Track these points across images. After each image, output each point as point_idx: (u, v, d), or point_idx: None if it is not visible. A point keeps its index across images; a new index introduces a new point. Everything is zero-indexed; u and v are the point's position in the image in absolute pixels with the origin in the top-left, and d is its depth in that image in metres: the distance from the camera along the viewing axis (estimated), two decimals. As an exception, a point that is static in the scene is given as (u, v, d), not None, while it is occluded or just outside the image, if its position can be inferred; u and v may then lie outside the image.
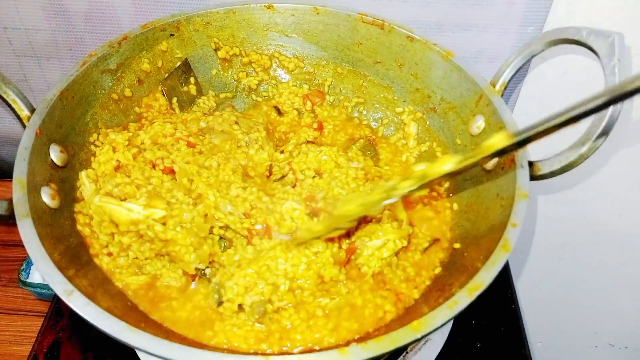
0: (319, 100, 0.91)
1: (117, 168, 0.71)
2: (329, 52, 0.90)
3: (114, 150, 0.71)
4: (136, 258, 0.67)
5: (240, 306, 0.62)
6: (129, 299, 0.63)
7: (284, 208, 0.69)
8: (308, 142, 0.82)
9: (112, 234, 0.67)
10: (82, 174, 0.70)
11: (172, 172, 0.71)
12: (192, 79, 0.88)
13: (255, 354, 0.51)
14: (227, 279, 0.63)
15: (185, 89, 0.87)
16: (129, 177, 0.69)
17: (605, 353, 1.36)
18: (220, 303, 0.63)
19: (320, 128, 0.87)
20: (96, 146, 0.74)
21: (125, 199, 0.67)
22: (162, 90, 0.85)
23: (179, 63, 0.86)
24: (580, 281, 1.25)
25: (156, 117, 0.80)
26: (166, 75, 0.85)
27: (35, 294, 0.99)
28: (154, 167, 0.71)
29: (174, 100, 0.86)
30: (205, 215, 0.67)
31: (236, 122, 0.80)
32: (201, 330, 0.62)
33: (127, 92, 0.80)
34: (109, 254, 0.66)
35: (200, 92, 0.90)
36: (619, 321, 1.29)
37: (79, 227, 0.66)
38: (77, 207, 0.68)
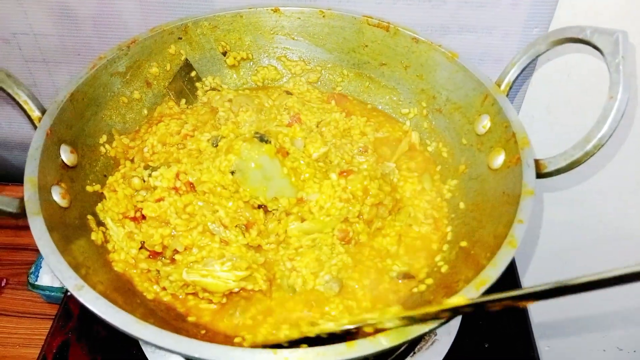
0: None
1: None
2: (335, 54, 0.91)
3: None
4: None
5: None
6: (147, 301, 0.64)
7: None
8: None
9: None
10: (109, 220, 0.69)
11: (192, 187, 0.71)
12: (193, 73, 0.89)
13: (264, 347, 0.51)
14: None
15: (189, 86, 0.88)
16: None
17: (614, 357, 1.35)
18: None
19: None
20: (105, 148, 0.75)
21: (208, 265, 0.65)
22: (169, 94, 0.86)
23: (179, 67, 0.87)
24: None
25: (164, 117, 0.81)
26: (170, 80, 0.86)
27: (44, 296, 1.00)
28: (176, 190, 0.71)
29: (182, 101, 0.87)
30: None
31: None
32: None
33: (136, 95, 0.82)
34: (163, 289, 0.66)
35: (200, 79, 0.90)
36: (627, 325, 1.28)
37: (116, 269, 0.65)
38: (109, 247, 0.67)
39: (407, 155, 0.84)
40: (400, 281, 0.69)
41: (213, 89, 0.89)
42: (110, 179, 0.73)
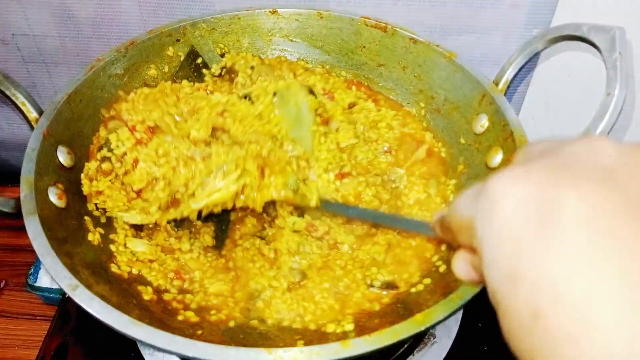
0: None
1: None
2: (333, 55, 0.91)
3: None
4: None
5: None
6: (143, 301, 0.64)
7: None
8: None
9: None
10: (121, 215, 0.69)
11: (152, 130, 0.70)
12: (199, 60, 0.88)
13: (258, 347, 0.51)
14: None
15: (196, 73, 0.87)
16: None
17: None
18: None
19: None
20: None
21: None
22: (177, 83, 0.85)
23: (185, 54, 0.87)
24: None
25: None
26: (177, 68, 0.86)
27: (43, 298, 1.00)
28: None
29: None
30: None
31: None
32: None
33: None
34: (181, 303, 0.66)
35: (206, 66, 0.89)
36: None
37: (115, 271, 0.65)
38: (113, 247, 0.68)
39: (421, 161, 0.82)
40: (384, 292, 0.67)
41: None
42: (86, 188, 0.69)
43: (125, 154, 0.68)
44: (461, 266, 0.40)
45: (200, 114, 0.72)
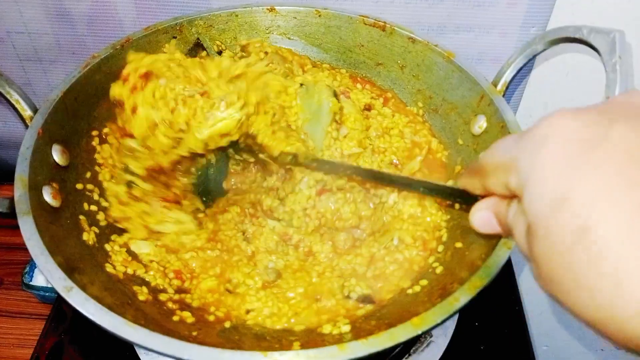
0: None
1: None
2: (331, 54, 0.90)
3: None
4: None
5: None
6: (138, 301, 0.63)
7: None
8: None
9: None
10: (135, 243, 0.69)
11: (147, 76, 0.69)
12: (204, 53, 0.87)
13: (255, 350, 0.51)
14: None
15: None
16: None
17: (612, 356, 1.34)
18: None
19: None
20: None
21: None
22: None
23: (191, 45, 0.87)
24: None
25: None
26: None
27: (38, 296, 0.99)
28: None
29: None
30: None
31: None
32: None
33: (130, 94, 0.81)
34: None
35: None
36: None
37: (110, 271, 0.65)
38: (108, 247, 0.67)
39: (423, 172, 0.80)
40: (360, 304, 0.65)
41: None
42: (116, 212, 0.70)
43: (122, 103, 0.68)
44: (482, 214, 0.41)
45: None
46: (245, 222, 0.76)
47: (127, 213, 0.70)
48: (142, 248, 0.69)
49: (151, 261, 0.68)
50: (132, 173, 0.70)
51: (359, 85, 0.89)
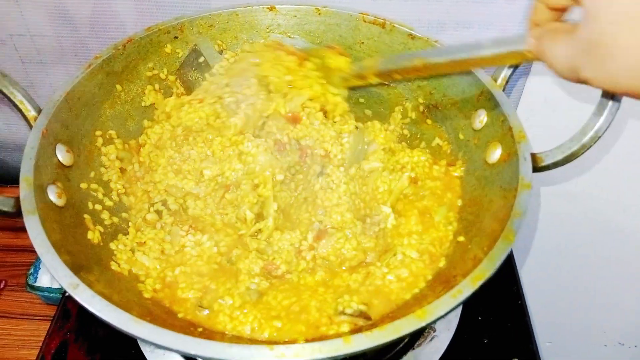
0: None
1: None
2: (331, 52, 0.91)
3: None
4: None
5: None
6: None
7: None
8: None
9: None
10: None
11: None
12: (202, 59, 0.87)
13: (261, 343, 0.51)
14: None
15: (198, 74, 0.87)
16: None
17: (615, 352, 1.35)
18: None
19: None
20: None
21: None
22: (177, 79, 0.86)
23: (188, 51, 0.87)
24: (586, 279, 1.24)
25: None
26: (179, 65, 0.86)
27: (42, 297, 1.00)
28: None
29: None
30: None
31: None
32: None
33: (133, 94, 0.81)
34: None
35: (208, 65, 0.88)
36: (628, 319, 1.28)
37: (115, 269, 0.65)
38: (113, 245, 0.68)
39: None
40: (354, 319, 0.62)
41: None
42: (132, 237, 0.71)
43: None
44: (558, 45, 0.47)
45: None
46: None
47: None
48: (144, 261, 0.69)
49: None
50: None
51: None
